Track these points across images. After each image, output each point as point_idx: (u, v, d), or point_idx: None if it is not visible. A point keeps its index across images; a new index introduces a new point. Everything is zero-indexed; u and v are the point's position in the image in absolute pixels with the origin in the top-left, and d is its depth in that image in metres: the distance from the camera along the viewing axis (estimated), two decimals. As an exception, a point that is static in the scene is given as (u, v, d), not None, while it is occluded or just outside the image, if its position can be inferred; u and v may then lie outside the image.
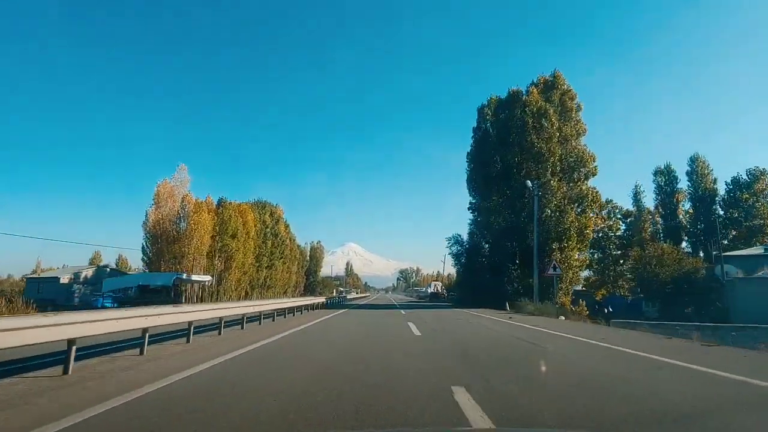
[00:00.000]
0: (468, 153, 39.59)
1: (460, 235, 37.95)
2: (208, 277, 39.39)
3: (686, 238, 53.43)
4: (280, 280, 76.59)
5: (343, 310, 26.56)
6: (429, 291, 75.12)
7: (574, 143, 31.81)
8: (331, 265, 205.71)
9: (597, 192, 32.02)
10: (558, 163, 30.87)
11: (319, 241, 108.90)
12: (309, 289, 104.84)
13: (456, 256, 37.39)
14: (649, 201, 55.46)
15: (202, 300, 49.91)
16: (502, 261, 31.81)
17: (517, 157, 32.21)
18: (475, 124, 37.35)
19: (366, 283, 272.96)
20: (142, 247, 49.86)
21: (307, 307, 23.54)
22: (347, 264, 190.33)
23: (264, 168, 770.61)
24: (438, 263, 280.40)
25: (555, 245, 30.29)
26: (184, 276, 34.97)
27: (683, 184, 53.51)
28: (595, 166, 32.25)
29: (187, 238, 48.11)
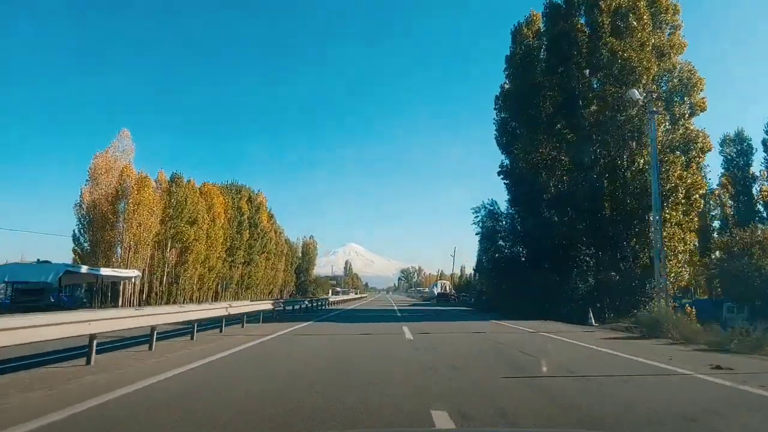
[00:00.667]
0: (496, 96, 27.62)
1: (494, 202, 25.54)
2: (133, 273, 27.69)
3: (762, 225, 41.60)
4: (262, 279, 64.66)
5: (305, 324, 14.82)
6: (435, 291, 63.13)
7: (673, 60, 19.93)
8: (332, 266, 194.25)
9: (707, 137, 20.12)
10: (653, 86, 18.99)
11: (312, 236, 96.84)
12: (300, 290, 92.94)
13: (486, 237, 25.09)
14: (714, 178, 43.57)
15: (146, 303, 38.16)
16: (563, 244, 19.89)
17: (584, 82, 20.33)
18: (508, 52, 25.42)
19: (366, 283, 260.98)
20: (73, 235, 38.15)
21: (219, 321, 11.83)
22: (346, 263, 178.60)
23: (263, 167, 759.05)
24: (442, 264, 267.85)
25: (653, 215, 18.37)
26: (84, 270, 23.20)
27: (758, 155, 41.64)
28: (703, 99, 20.32)
29: (125, 222, 36.42)
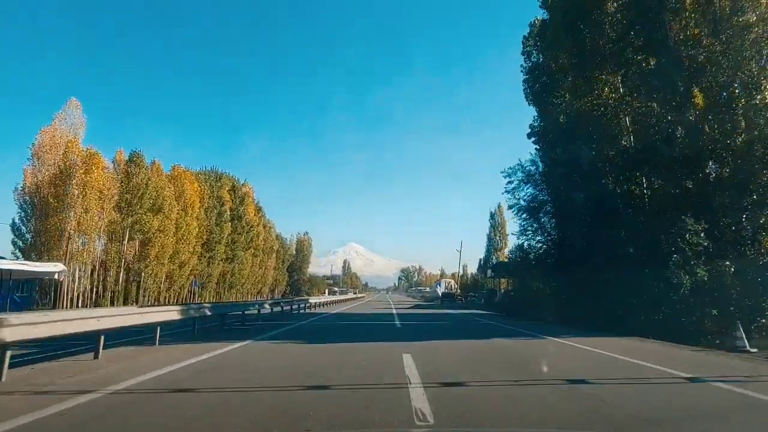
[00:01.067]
0: (525, 37, 21.20)
1: (538, 157, 18.11)
2: (54, 267, 21.06)
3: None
4: (249, 277, 58.02)
5: (231, 348, 8.26)
6: (439, 291, 56.38)
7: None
8: (331, 265, 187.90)
9: None
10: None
11: (307, 233, 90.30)
12: (294, 289, 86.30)
13: (527, 211, 17.74)
14: None
15: (96, 305, 31.51)
16: (644, 222, 13.25)
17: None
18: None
19: (366, 283, 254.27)
20: (13, 224, 31.80)
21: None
22: (344, 262, 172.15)
23: (264, 168, 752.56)
24: (443, 263, 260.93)
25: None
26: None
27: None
28: None
29: (69, 208, 29.93)
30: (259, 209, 60.64)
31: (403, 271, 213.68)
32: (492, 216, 55.37)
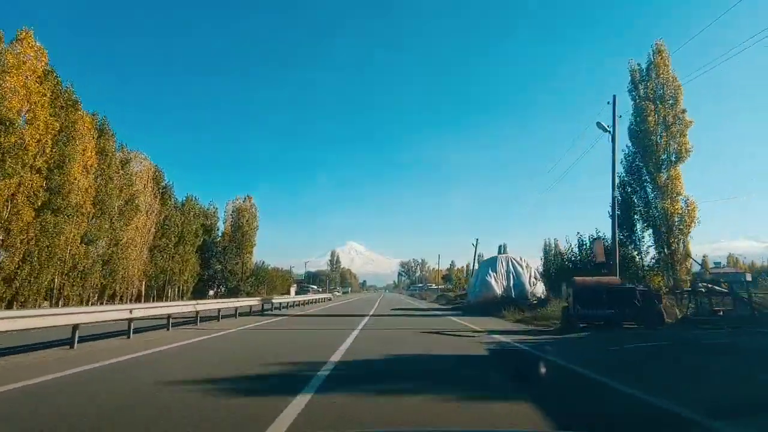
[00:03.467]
0: None
1: None
2: None
3: None
4: (31, 261, 23.14)
5: None
6: (495, 285, 21.14)
7: None
8: (328, 262, 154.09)
9: None
10: None
11: (248, 196, 53.32)
12: (228, 288, 51.26)
13: None
14: None
15: None
16: None
17: None
18: None
19: (365, 281, 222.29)
20: None
21: None
22: (332, 254, 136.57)
23: (264, 169, 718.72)
24: (455, 254, 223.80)
25: None
26: None
27: None
28: None
29: None
30: (72, 105, 24.79)
31: (403, 265, 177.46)
32: (634, 81, 19.68)
